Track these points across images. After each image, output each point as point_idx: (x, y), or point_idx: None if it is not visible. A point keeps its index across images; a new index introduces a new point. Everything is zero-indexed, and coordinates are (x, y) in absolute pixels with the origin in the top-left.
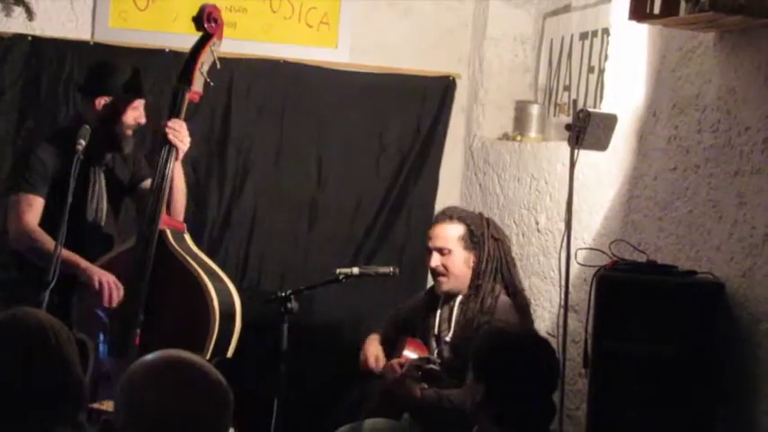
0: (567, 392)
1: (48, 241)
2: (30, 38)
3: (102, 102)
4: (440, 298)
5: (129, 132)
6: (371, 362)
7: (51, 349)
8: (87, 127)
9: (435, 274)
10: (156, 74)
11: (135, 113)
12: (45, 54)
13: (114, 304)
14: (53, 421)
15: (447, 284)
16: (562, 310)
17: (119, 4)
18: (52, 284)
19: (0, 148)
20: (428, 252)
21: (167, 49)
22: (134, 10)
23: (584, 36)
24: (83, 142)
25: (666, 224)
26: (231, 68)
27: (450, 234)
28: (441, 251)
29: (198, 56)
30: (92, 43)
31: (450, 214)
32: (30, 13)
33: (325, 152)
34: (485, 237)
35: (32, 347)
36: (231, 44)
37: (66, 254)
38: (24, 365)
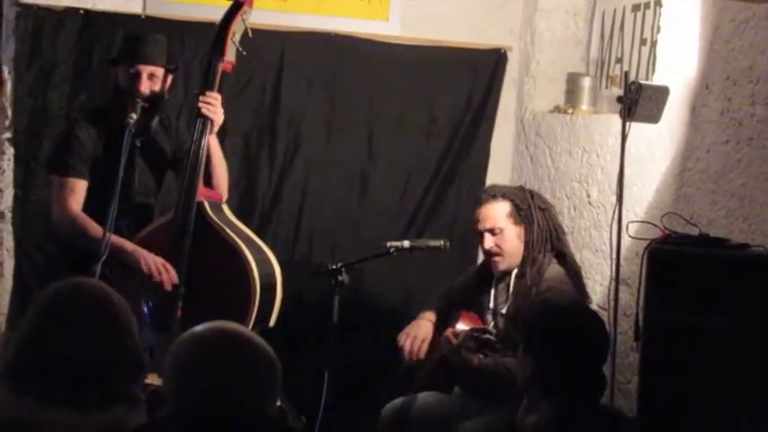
0: (618, 366)
1: (91, 226)
2: (82, 11)
3: (119, 71)
4: (497, 274)
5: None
6: (406, 347)
7: (111, 319)
8: (139, 102)
9: (490, 254)
10: (207, 47)
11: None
12: (97, 28)
13: (168, 287)
14: (112, 390)
15: (503, 263)
16: (613, 284)
17: None
18: (104, 257)
19: (53, 121)
20: (479, 235)
21: (218, 22)
22: None
23: (636, 8)
24: (134, 116)
25: (719, 197)
26: (282, 42)
27: (497, 213)
28: (492, 231)
29: (229, 25)
30: (143, 17)
31: (492, 193)
32: None
33: (375, 125)
34: (531, 208)
35: (93, 317)
36: (282, 17)
37: (113, 238)
38: (85, 335)
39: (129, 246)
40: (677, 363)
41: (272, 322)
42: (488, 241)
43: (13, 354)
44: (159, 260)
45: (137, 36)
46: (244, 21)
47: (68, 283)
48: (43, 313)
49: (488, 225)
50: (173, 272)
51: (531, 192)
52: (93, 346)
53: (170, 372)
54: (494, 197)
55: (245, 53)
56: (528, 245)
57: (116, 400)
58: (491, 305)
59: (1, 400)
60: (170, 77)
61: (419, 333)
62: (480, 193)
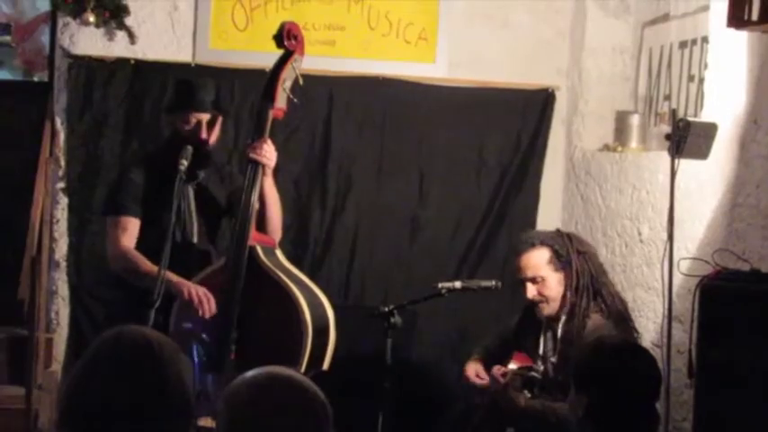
0: (672, 403)
1: (143, 262)
2: (132, 61)
3: (181, 118)
4: (542, 320)
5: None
6: (472, 377)
7: (158, 366)
8: (189, 147)
9: (533, 303)
10: (256, 94)
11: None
12: (147, 77)
13: (207, 315)
14: None
15: (548, 309)
16: (666, 321)
17: (218, 25)
18: (157, 304)
19: (106, 171)
20: (521, 283)
21: (267, 69)
22: (233, 30)
23: (683, 45)
24: (185, 162)
25: None
26: (331, 86)
27: (538, 261)
28: (533, 280)
29: (279, 73)
30: (193, 65)
31: (531, 241)
32: (132, 37)
33: (425, 167)
34: (570, 253)
35: (138, 364)
36: (330, 62)
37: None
38: (130, 383)
39: (173, 278)
40: (732, 400)
41: (326, 365)
42: (531, 291)
43: (65, 400)
44: (201, 289)
45: (188, 83)
46: (294, 69)
47: (112, 333)
48: (88, 362)
49: (529, 274)
50: (212, 302)
51: (569, 235)
52: (135, 394)
53: (223, 418)
54: (532, 245)
55: (296, 101)
56: (569, 290)
57: None
58: (540, 351)
59: None
60: (219, 120)
61: (471, 369)
62: (518, 242)
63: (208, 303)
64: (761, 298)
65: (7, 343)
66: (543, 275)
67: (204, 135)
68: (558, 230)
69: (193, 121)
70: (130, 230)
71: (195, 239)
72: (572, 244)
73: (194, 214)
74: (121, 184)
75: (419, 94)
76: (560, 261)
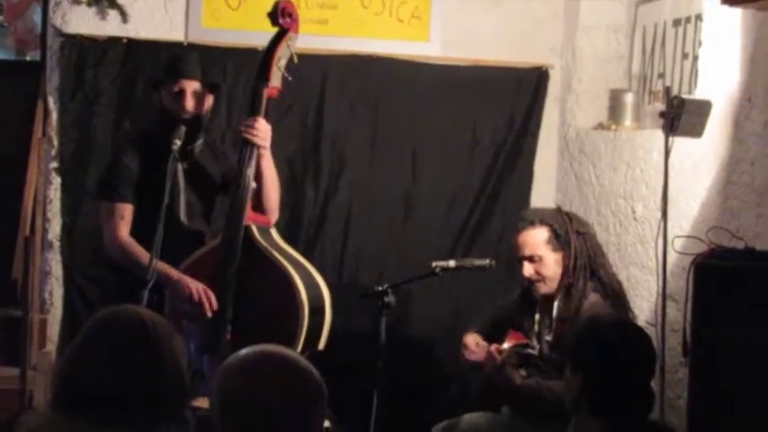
0: (667, 382)
1: (141, 253)
2: (124, 40)
3: (163, 92)
4: (538, 298)
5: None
6: (472, 346)
7: (152, 345)
8: (183, 127)
9: (530, 281)
10: (249, 72)
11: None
12: (140, 56)
13: (209, 314)
14: (157, 417)
15: (544, 288)
16: (660, 299)
17: (211, 3)
18: (151, 283)
19: (98, 150)
20: (518, 261)
21: (260, 48)
22: (226, 9)
23: (677, 23)
24: (178, 142)
25: (764, 210)
26: (324, 65)
27: (536, 240)
28: (531, 259)
29: (274, 51)
30: (185, 44)
31: (531, 219)
32: (124, 16)
33: (418, 146)
34: (570, 233)
35: (131, 344)
36: (323, 41)
37: (160, 265)
38: (124, 362)
39: (174, 274)
40: (726, 377)
41: (321, 345)
42: (528, 269)
43: (59, 381)
44: (201, 287)
45: (175, 54)
46: (289, 47)
47: (106, 313)
48: (82, 343)
49: (527, 252)
50: (213, 299)
51: (568, 215)
52: (129, 374)
53: (217, 397)
54: (531, 223)
55: (290, 79)
56: (567, 270)
57: (165, 420)
58: (535, 329)
59: (57, 427)
60: (211, 98)
61: (471, 338)
62: (518, 219)
63: (208, 303)
64: (755, 276)
65: (1, 324)
66: (541, 254)
67: (190, 105)
68: (558, 209)
69: (177, 89)
70: (126, 217)
71: (183, 218)
72: (571, 224)
73: (182, 193)
74: (116, 169)
75: (412, 73)
76: (559, 241)
